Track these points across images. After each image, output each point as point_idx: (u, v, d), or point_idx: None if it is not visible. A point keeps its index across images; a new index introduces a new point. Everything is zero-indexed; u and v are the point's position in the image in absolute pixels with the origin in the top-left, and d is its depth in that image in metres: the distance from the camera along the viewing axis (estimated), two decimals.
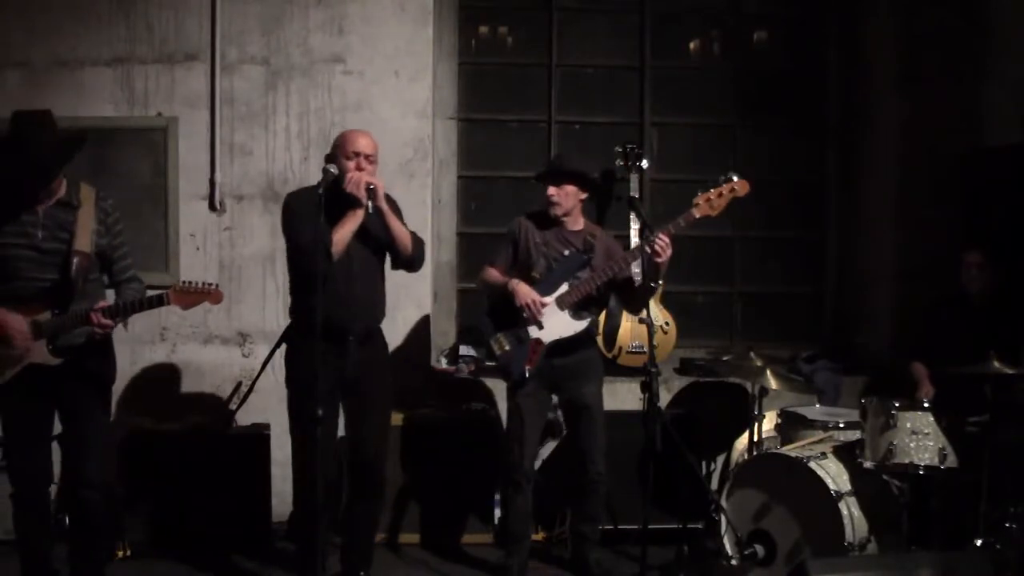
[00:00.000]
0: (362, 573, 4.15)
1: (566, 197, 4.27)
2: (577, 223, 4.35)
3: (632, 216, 5.09)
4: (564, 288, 4.22)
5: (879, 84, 5.70)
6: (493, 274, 4.36)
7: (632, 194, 5.18)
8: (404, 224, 4.02)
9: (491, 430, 4.93)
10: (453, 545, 4.85)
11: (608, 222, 5.50)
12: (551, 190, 4.27)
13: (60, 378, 3.64)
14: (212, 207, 5.23)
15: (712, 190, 4.08)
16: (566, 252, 4.29)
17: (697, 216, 4.08)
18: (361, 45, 5.27)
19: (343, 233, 3.79)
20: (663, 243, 4.00)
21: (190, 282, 3.64)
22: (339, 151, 3.89)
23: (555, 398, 4.48)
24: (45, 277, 3.59)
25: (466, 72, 5.73)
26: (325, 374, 3.61)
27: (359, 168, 3.83)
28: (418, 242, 4.03)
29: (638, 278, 4.44)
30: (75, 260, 3.57)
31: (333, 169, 3.74)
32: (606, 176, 5.60)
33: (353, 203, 3.79)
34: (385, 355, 4.17)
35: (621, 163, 5.34)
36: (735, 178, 4.09)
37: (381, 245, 3.97)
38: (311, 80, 5.25)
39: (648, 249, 4.03)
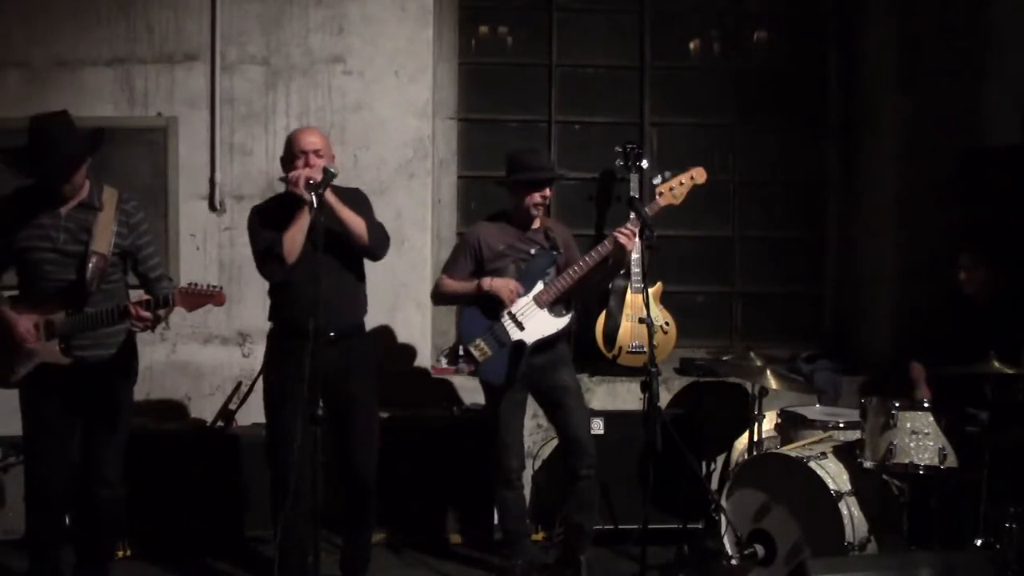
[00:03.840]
0: None
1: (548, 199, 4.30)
2: (536, 220, 4.32)
3: (632, 216, 5.09)
4: (539, 287, 4.17)
5: (879, 84, 5.70)
6: (452, 284, 4.25)
7: (632, 194, 5.18)
8: (370, 214, 3.93)
9: (491, 430, 4.92)
10: (454, 546, 4.85)
11: (608, 222, 5.51)
12: (548, 192, 4.24)
13: (85, 379, 3.65)
14: (212, 207, 5.24)
15: (673, 179, 4.16)
16: (532, 251, 4.25)
17: (662, 204, 4.14)
18: (361, 45, 5.27)
19: (292, 234, 3.72)
20: (628, 232, 4.08)
21: (195, 284, 3.60)
22: (288, 155, 3.85)
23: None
24: (65, 278, 3.60)
25: (466, 72, 5.73)
26: (299, 375, 3.45)
27: (307, 165, 3.77)
28: (376, 230, 3.89)
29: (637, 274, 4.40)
30: (91, 262, 3.58)
31: (333, 169, 3.70)
32: (606, 176, 5.61)
33: (300, 203, 3.72)
34: (369, 355, 4.06)
35: (621, 163, 5.34)
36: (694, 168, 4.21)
37: (345, 241, 3.83)
38: (311, 80, 5.25)
39: (613, 244, 4.09)
